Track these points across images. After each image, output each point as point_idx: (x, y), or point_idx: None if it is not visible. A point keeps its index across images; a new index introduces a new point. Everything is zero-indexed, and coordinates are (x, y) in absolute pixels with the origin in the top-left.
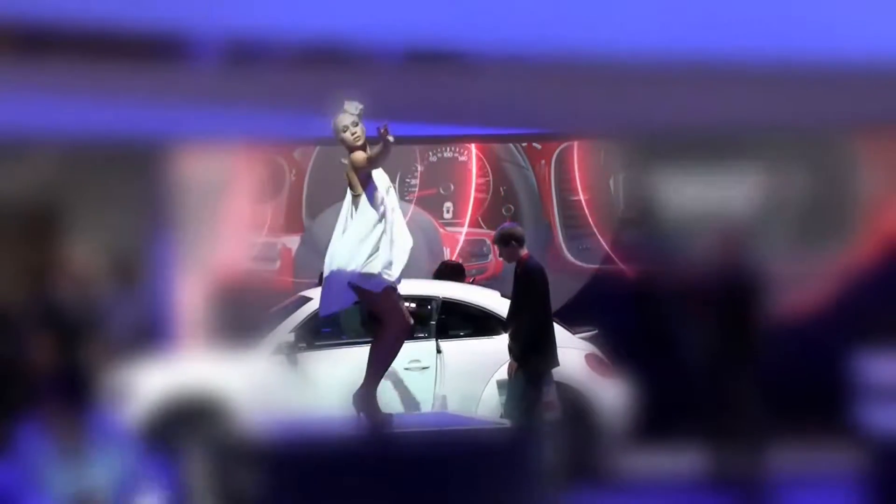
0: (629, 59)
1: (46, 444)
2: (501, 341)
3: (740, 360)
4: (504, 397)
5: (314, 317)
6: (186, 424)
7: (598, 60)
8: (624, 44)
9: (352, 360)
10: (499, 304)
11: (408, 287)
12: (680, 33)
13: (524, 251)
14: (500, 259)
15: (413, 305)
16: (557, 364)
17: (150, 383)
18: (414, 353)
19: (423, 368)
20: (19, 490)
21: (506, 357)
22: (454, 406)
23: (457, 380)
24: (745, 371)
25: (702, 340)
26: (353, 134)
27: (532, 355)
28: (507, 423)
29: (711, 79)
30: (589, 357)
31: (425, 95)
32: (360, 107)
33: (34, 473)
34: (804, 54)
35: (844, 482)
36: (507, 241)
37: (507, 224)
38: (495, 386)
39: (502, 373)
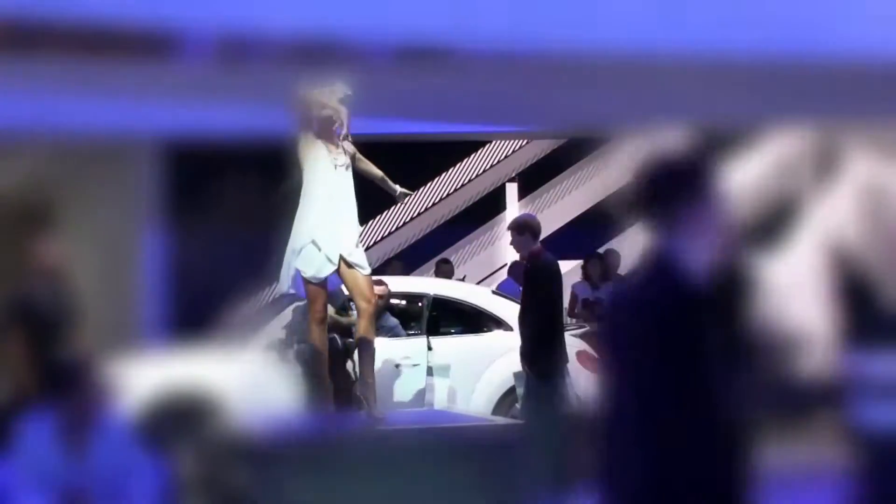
0: (622, 55)
1: (45, 439)
2: (492, 338)
3: (728, 358)
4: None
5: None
6: (178, 421)
7: (591, 56)
8: (617, 40)
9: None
10: (489, 301)
11: (399, 284)
12: (675, 29)
13: (537, 245)
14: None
15: (403, 302)
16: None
17: (141, 379)
18: (405, 350)
19: (414, 366)
20: (17, 485)
21: (497, 353)
22: (444, 403)
23: (447, 377)
24: (733, 368)
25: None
26: (336, 120)
27: (540, 356)
28: (496, 420)
29: (703, 75)
30: (580, 354)
31: (416, 92)
32: (347, 92)
33: (31, 468)
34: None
35: (836, 481)
36: (522, 231)
37: (526, 213)
38: (486, 382)
39: (500, 368)
